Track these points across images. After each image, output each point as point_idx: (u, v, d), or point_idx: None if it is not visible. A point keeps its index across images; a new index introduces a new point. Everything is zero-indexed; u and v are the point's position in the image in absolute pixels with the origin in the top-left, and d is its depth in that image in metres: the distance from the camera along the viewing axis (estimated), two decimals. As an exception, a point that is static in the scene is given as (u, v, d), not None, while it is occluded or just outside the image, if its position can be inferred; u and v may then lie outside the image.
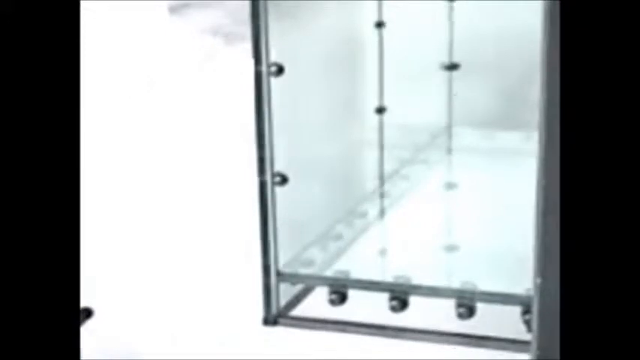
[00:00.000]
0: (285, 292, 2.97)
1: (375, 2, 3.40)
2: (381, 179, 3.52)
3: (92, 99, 4.78)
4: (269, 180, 2.88)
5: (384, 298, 2.87)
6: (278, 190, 2.89)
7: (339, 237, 3.16)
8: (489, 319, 2.82)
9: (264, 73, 2.83)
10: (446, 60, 3.61)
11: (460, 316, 2.78)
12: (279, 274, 2.90)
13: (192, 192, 4.12)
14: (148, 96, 4.93)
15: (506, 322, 2.75)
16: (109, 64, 5.12)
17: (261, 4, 2.78)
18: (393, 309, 2.85)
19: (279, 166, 2.88)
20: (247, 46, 2.83)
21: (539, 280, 2.18)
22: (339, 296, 2.90)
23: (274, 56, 2.82)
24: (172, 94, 4.93)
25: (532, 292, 2.42)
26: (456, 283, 2.79)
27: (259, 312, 2.92)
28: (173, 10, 5.71)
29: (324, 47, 3.14)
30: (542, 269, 2.19)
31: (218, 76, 4.98)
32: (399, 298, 2.83)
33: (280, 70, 2.83)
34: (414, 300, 2.86)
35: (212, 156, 4.35)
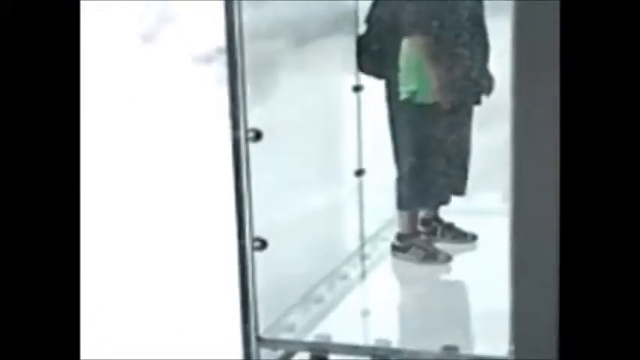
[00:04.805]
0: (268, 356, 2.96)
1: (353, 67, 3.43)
2: (362, 241, 3.52)
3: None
4: (248, 245, 2.87)
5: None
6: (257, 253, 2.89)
7: (320, 300, 3.15)
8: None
9: (242, 138, 2.84)
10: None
11: (442, 380, 2.77)
12: (259, 339, 2.89)
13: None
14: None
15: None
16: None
17: (239, 70, 2.79)
18: (375, 373, 2.84)
19: (259, 230, 2.88)
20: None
21: (512, 347, 2.19)
22: (321, 361, 2.89)
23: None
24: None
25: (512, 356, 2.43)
26: (436, 347, 2.78)
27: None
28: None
29: (303, 111, 3.15)
30: (515, 336, 2.19)
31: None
32: (381, 363, 2.83)
33: (258, 135, 2.84)
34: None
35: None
